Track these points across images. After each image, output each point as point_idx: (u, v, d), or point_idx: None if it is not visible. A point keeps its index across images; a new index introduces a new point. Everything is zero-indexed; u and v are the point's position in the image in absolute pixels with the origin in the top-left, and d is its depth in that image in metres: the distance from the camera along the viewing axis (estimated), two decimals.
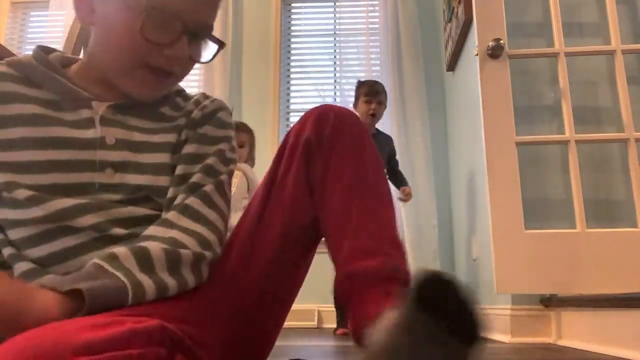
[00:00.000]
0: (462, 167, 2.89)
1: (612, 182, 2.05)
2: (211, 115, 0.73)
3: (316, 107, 0.70)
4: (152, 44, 0.64)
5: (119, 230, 0.61)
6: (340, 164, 0.65)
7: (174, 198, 0.66)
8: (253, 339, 0.69)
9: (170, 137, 0.70)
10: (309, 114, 0.69)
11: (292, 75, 3.63)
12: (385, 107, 2.68)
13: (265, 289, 0.67)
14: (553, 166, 2.08)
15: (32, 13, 3.76)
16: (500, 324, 1.97)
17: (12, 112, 0.64)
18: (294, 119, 3.59)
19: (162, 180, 0.66)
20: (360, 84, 2.67)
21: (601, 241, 1.83)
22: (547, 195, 2.05)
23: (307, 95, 3.67)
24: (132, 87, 0.68)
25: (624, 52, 2.00)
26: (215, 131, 0.73)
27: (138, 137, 0.68)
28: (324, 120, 0.67)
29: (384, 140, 2.66)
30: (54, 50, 0.74)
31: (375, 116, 2.59)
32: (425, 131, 3.27)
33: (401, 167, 2.75)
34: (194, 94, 0.80)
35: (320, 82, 3.68)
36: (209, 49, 0.72)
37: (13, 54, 1.19)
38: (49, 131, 0.64)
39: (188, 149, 0.70)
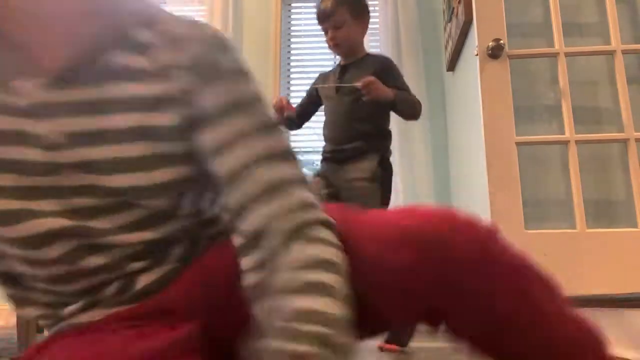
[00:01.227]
0: (462, 167, 2.89)
1: (612, 182, 2.05)
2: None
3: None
4: None
5: (93, 260, 0.50)
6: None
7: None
8: None
9: (138, 118, 0.48)
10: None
11: (292, 76, 3.63)
12: (363, 27, 1.99)
13: None
14: (553, 166, 2.07)
15: None
16: None
17: None
18: None
19: (142, 179, 0.48)
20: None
21: (601, 241, 1.83)
22: (547, 195, 2.05)
23: None
24: None
25: (624, 52, 2.00)
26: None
27: (90, 123, 0.47)
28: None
29: (370, 60, 2.00)
30: None
31: (338, 45, 1.91)
32: (425, 131, 3.26)
33: (401, 167, 2.70)
34: (165, 17, 0.52)
35: None
36: None
37: None
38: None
39: (208, 136, 0.51)
